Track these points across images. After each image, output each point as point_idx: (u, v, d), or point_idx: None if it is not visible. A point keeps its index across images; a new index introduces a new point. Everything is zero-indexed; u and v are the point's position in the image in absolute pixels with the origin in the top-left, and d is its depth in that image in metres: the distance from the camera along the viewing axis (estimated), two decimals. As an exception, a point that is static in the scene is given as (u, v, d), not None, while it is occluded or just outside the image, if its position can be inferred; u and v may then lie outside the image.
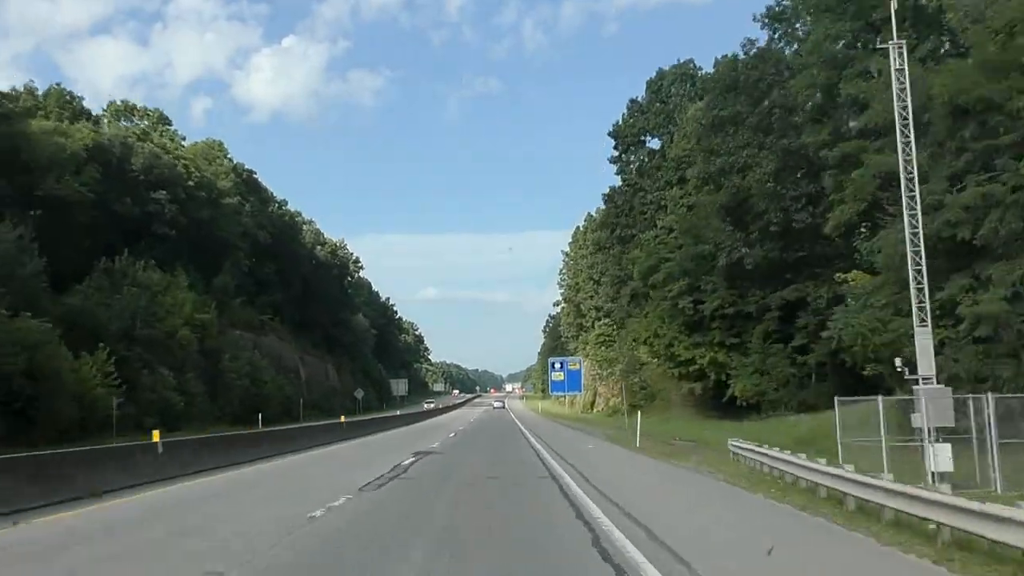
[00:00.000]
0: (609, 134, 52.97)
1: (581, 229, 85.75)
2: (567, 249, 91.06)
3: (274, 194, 70.82)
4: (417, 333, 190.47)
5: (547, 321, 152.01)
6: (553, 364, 67.45)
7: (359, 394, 74.97)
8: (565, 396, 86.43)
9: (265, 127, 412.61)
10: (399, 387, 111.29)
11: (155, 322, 40.80)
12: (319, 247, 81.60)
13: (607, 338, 65.26)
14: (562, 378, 66.15)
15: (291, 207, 78.78)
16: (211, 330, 46.39)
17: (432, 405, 72.41)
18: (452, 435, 35.65)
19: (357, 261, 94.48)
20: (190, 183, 51.92)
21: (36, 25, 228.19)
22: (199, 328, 44.85)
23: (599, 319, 69.91)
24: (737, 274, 35.42)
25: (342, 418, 43.73)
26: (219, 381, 46.45)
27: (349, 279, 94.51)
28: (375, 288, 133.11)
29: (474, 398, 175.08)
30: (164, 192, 48.07)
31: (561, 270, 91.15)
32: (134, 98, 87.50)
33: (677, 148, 43.03)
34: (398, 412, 67.72)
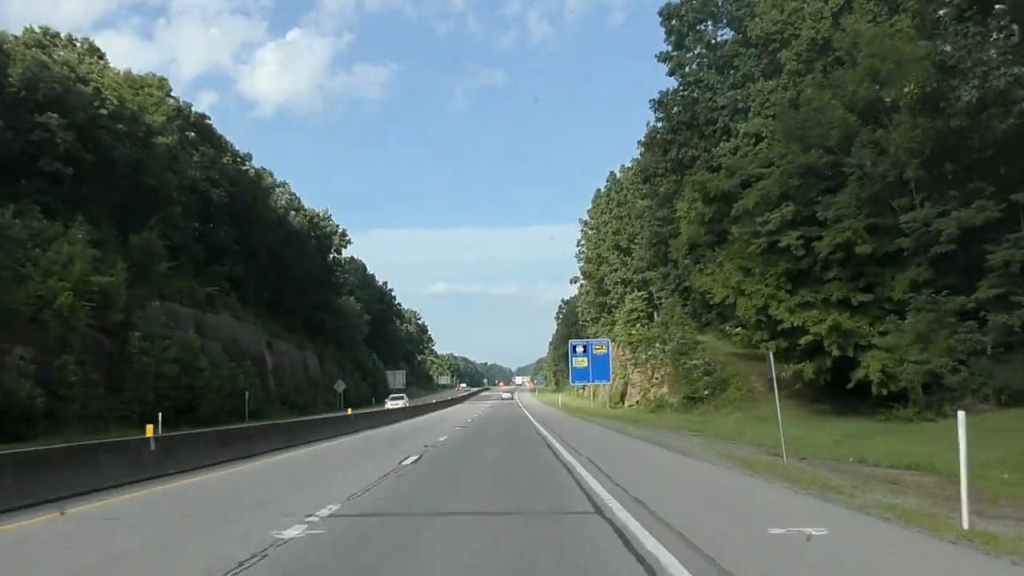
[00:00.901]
0: (659, 13, 38.79)
1: (603, 191, 73.11)
2: (586, 217, 78.54)
3: (234, 145, 58.38)
4: (420, 322, 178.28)
5: (560, 307, 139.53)
6: (574, 347, 54.92)
7: (339, 387, 62.66)
8: (588, 387, 74.04)
9: (271, 122, 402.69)
10: (396, 379, 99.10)
11: (15, 284, 28.54)
12: (294, 213, 69.18)
13: (641, 314, 52.70)
14: (585, 364, 53.70)
15: (260, 165, 66.25)
16: (116, 300, 34.03)
17: (400, 403, 55.60)
18: (411, 460, 23.28)
19: (344, 235, 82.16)
20: (102, 111, 39.49)
21: (36, 22, 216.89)
22: (97, 296, 32.54)
23: (630, 291, 57.39)
24: (877, 193, 22.77)
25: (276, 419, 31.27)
26: (127, 369, 34.18)
27: (335, 255, 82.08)
28: (371, 271, 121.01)
29: (480, 391, 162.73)
30: (56, 116, 35.67)
31: (579, 241, 78.72)
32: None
33: (766, 21, 30.23)
34: (388, 406, 55.57)
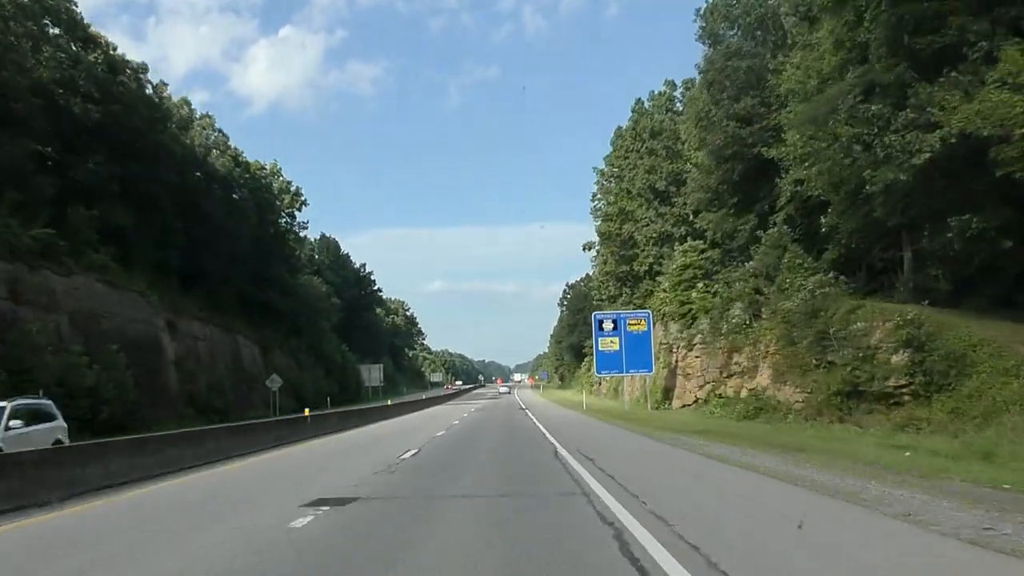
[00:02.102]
0: None
1: (627, 127, 56.48)
2: (602, 166, 61.91)
3: (111, 43, 41.41)
4: (408, 313, 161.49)
5: (564, 292, 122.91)
6: (600, 323, 38.35)
7: (274, 383, 46.11)
8: (606, 381, 57.55)
9: (263, 120, 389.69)
10: (371, 375, 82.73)
11: None
12: (217, 154, 52.26)
13: (698, 272, 36.16)
14: (615, 347, 37.25)
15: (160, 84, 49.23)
16: None
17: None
18: None
19: (299, 195, 65.36)
20: None
21: None
22: None
23: (679, 242, 40.82)
24: None
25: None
26: None
27: (286, 219, 65.31)
28: (345, 249, 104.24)
29: (472, 389, 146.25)
30: None
31: (594, 196, 62.09)
32: None
33: None
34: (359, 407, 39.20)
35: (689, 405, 35.06)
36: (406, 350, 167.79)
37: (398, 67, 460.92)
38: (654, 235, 47.85)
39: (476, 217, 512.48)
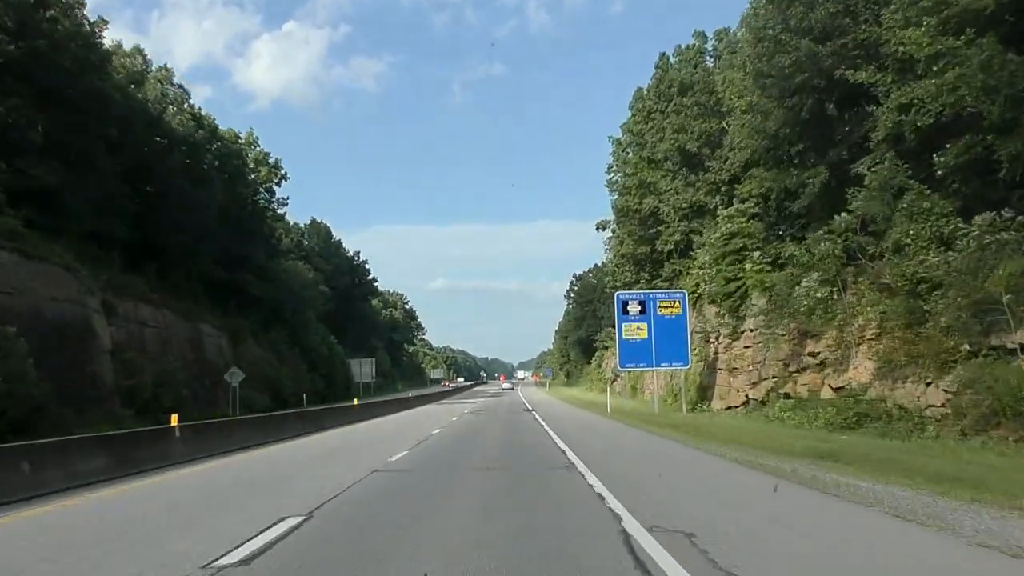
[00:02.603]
0: None
1: (649, 86, 49.37)
2: (619, 135, 54.81)
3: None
4: (408, 307, 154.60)
5: (571, 284, 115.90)
6: (624, 305, 31.26)
7: (234, 377, 39.25)
8: (634, 374, 50.81)
9: (267, 115, 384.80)
10: (362, 370, 75.83)
11: None
12: (174, 111, 45.15)
13: (751, 240, 29.03)
14: (643, 335, 30.33)
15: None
16: None
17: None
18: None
19: (278, 168, 58.31)
20: None
21: None
22: None
23: (723, 207, 33.72)
24: None
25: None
26: None
27: (264, 194, 58.30)
28: (337, 236, 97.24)
29: (474, 386, 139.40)
30: None
31: (609, 168, 54.97)
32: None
33: None
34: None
35: (736, 407, 28.08)
36: (405, 345, 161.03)
37: (402, 63, 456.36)
38: (684, 205, 40.79)
39: (480, 214, 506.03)
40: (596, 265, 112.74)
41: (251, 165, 56.46)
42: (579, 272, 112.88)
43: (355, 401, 33.77)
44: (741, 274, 28.17)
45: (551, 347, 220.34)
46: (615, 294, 31.76)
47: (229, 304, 51.46)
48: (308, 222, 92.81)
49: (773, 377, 24.41)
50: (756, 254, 27.03)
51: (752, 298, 27.31)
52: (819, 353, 21.56)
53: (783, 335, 23.79)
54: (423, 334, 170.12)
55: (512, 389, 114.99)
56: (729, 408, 28.56)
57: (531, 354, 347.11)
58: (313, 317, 71.57)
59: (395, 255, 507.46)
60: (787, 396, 23.06)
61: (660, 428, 20.67)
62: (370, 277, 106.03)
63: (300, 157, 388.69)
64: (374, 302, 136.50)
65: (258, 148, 56.76)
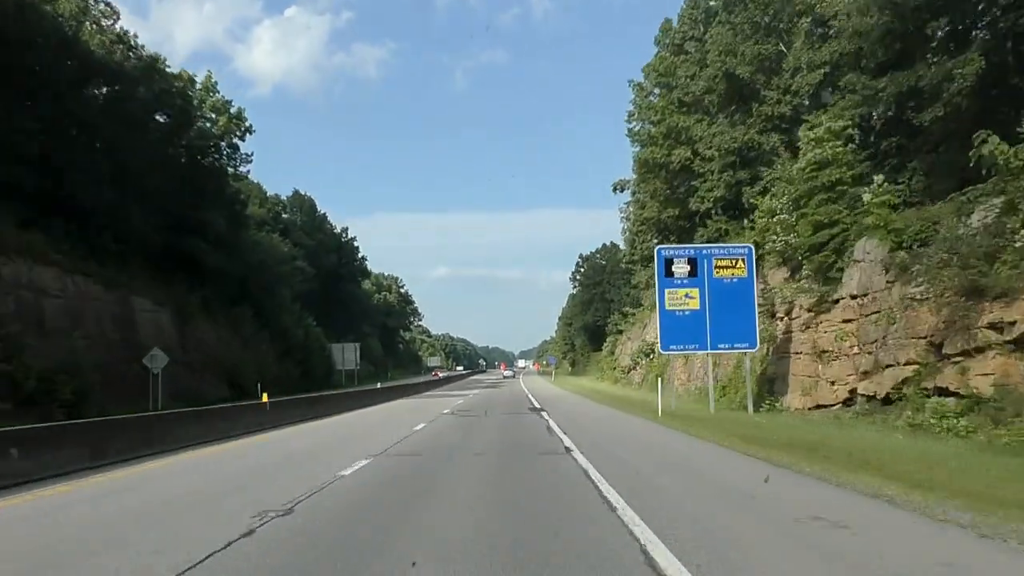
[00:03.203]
0: None
1: (681, 11, 40.73)
2: (640, 78, 46.16)
3: None
4: (403, 290, 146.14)
5: (577, 264, 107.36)
6: (667, 265, 22.76)
7: (156, 362, 31.03)
8: (658, 362, 42.86)
9: (268, 101, 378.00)
10: (345, 356, 67.87)
11: None
12: (90, 27, 36.46)
13: (847, 171, 20.64)
14: (693, 305, 21.97)
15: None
16: None
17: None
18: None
19: (240, 118, 49.67)
20: None
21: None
22: None
23: (813, 117, 25.08)
24: None
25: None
26: None
27: (226, 151, 49.76)
28: (322, 208, 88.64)
29: (471, 375, 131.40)
30: None
31: (630, 116, 46.36)
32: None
33: None
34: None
35: (831, 407, 19.78)
36: (401, 332, 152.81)
37: (405, 49, 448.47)
38: (731, 147, 32.31)
39: (482, 202, 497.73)
40: (604, 245, 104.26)
41: (209, 115, 47.96)
42: (585, 253, 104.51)
43: (264, 397, 25.30)
44: (840, 216, 19.75)
45: (553, 335, 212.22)
46: (656, 249, 23.22)
47: (177, 276, 43.12)
48: (291, 194, 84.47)
49: (909, 363, 16.08)
50: (879, 178, 18.51)
51: (858, 250, 18.96)
52: (1015, 324, 13.23)
53: (928, 299, 15.46)
54: (420, 320, 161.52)
55: (513, 377, 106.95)
56: (819, 407, 20.26)
57: (532, 343, 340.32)
58: (288, 296, 63.22)
59: (397, 243, 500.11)
60: (943, 392, 14.76)
61: (775, 451, 12.30)
62: (360, 256, 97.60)
63: (301, 144, 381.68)
64: (366, 285, 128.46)
65: (217, 95, 48.22)
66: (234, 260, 50.79)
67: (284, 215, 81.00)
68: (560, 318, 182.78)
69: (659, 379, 26.38)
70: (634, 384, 48.22)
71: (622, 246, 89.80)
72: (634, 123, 45.38)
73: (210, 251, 47.28)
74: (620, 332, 62.69)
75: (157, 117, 40.85)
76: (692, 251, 22.84)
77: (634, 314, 55.37)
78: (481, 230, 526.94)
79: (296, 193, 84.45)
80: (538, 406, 25.94)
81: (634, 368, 48.77)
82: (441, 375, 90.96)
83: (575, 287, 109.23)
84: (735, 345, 22.37)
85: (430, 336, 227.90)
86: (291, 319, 62.43)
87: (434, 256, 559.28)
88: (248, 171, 51.04)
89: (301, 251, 73.29)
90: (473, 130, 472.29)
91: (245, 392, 42.77)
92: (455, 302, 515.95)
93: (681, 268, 22.36)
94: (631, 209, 51.50)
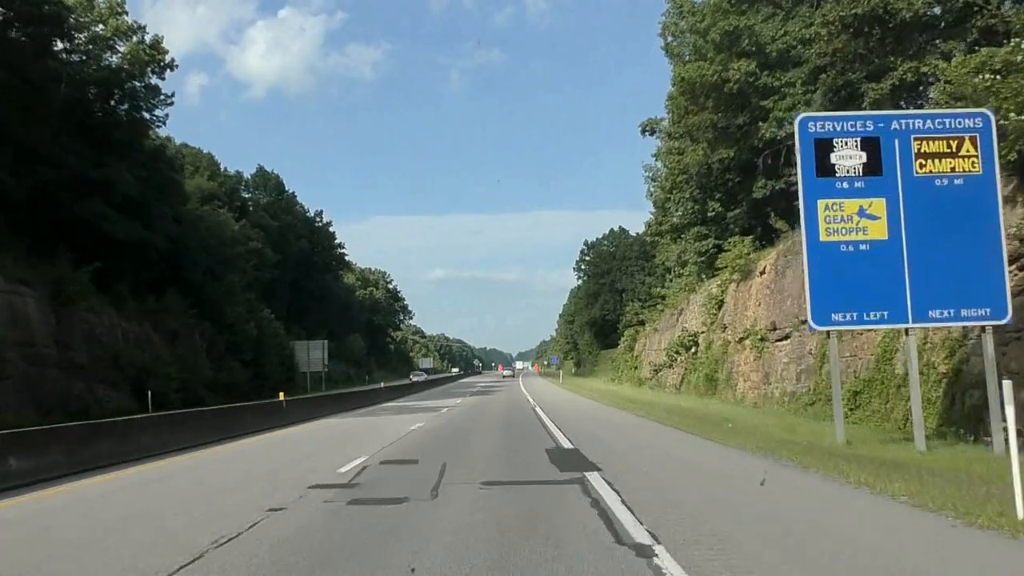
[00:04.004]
0: None
1: None
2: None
3: None
4: (392, 286, 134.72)
5: (581, 252, 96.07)
6: (825, 150, 11.51)
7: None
8: (685, 360, 32.08)
9: (262, 104, 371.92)
10: (311, 356, 56.83)
11: None
12: None
13: None
14: (879, 234, 10.53)
15: None
16: None
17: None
18: None
19: (157, 49, 38.13)
20: None
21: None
22: None
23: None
24: None
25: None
26: None
27: (139, 88, 38.40)
28: (290, 188, 77.18)
29: (462, 376, 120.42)
30: None
31: (664, 29, 35.01)
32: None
33: None
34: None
35: None
36: (390, 331, 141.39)
37: (399, 50, 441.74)
38: (847, 16, 21.17)
39: (479, 204, 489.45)
40: (612, 230, 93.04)
41: (112, 43, 36.73)
42: (591, 239, 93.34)
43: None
44: None
45: (554, 333, 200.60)
46: (797, 121, 11.83)
47: (58, 247, 31.90)
48: (254, 171, 73.14)
49: None
50: None
51: None
52: None
53: None
54: (410, 318, 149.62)
55: (513, 377, 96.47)
56: None
57: (530, 344, 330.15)
58: (238, 284, 51.91)
59: (394, 246, 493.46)
60: None
61: None
62: (337, 243, 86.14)
63: (296, 147, 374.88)
64: (350, 279, 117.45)
65: (123, 17, 36.88)
66: (156, 233, 39.53)
67: (245, 194, 69.77)
68: (560, 316, 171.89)
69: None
70: (668, 387, 37.09)
71: (632, 232, 77.27)
72: (668, 37, 34.22)
73: (117, 219, 36.04)
74: (642, 323, 51.55)
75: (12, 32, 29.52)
76: (872, 123, 11.58)
77: (663, 298, 44.22)
78: (478, 231, 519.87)
79: (261, 170, 73.13)
80: (565, 441, 14.37)
81: (669, 366, 37.64)
82: (416, 379, 78.91)
83: (579, 278, 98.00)
84: (961, 312, 11.17)
85: (423, 336, 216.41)
86: (239, 311, 51.12)
87: (431, 258, 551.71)
88: (167, 115, 39.65)
89: (260, 233, 62.02)
90: (470, 130, 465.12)
91: (162, 402, 31.58)
92: (452, 304, 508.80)
93: (849, 158, 11.23)
94: (659, 164, 40.40)
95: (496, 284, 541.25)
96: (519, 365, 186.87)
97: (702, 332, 33.51)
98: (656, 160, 41.04)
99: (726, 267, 29.85)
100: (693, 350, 34.83)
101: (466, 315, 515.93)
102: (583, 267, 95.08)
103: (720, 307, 30.97)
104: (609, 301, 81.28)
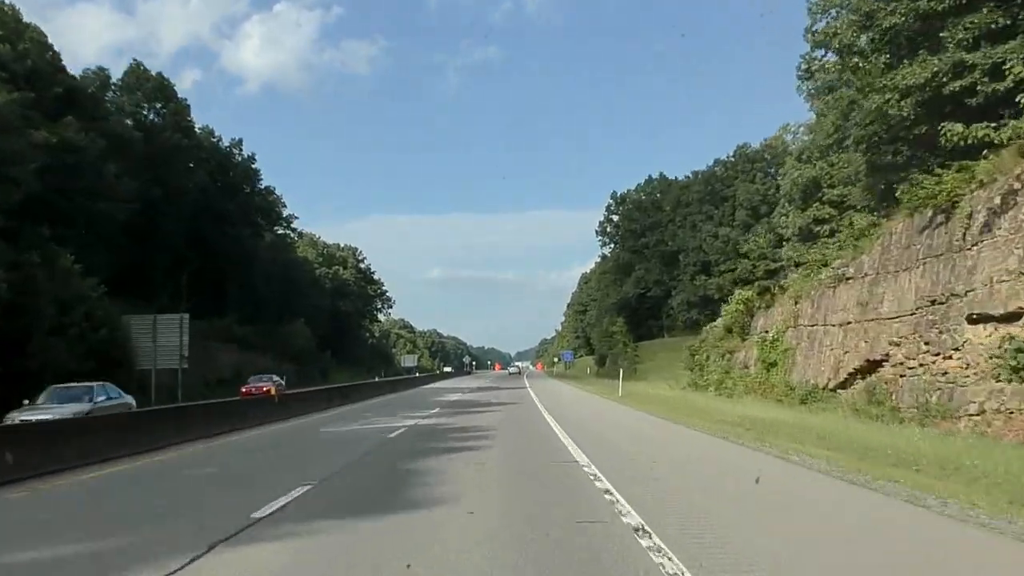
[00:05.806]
0: None
1: None
2: None
3: None
4: (364, 265, 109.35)
5: (607, 211, 71.30)
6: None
7: None
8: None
9: (256, 99, 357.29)
10: (158, 345, 32.29)
11: None
12: None
13: None
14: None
15: None
16: None
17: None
18: None
19: None
20: None
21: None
22: None
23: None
24: None
25: None
26: None
27: None
28: (209, 126, 52.53)
29: (449, 375, 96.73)
30: None
31: None
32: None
33: None
34: None
35: None
36: (366, 321, 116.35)
37: (396, 47, 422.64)
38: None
39: (477, 203, 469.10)
40: (649, 177, 68.75)
41: None
42: (621, 191, 68.50)
43: None
44: None
45: (558, 329, 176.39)
46: None
47: None
48: (127, 67, 48.59)
49: None
50: None
51: None
52: None
53: None
54: (389, 307, 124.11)
55: (519, 374, 73.52)
56: None
57: (530, 343, 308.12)
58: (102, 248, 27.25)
59: (391, 245, 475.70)
60: None
61: None
62: (265, 188, 61.26)
63: (290, 144, 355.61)
64: (309, 254, 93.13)
65: None
66: None
67: (110, 93, 45.30)
68: (569, 305, 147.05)
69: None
70: (862, 413, 12.74)
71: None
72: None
73: None
74: (767, 293, 27.13)
75: None
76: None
77: (858, 240, 19.64)
78: (476, 230, 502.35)
79: (136, 65, 48.33)
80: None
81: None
82: (379, 378, 54.37)
83: (604, 244, 73.13)
84: None
85: (412, 331, 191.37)
86: (61, 274, 26.48)
87: (430, 257, 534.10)
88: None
89: (103, 142, 37.54)
90: (467, 128, 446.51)
91: None
92: (451, 304, 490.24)
93: None
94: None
95: (495, 284, 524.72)
96: (519, 364, 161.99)
97: None
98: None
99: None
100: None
101: (465, 315, 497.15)
102: (608, 231, 70.38)
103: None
104: (653, 271, 56.78)
